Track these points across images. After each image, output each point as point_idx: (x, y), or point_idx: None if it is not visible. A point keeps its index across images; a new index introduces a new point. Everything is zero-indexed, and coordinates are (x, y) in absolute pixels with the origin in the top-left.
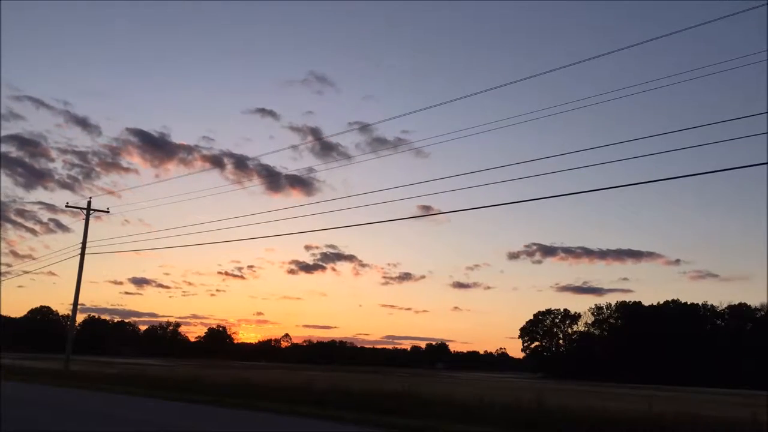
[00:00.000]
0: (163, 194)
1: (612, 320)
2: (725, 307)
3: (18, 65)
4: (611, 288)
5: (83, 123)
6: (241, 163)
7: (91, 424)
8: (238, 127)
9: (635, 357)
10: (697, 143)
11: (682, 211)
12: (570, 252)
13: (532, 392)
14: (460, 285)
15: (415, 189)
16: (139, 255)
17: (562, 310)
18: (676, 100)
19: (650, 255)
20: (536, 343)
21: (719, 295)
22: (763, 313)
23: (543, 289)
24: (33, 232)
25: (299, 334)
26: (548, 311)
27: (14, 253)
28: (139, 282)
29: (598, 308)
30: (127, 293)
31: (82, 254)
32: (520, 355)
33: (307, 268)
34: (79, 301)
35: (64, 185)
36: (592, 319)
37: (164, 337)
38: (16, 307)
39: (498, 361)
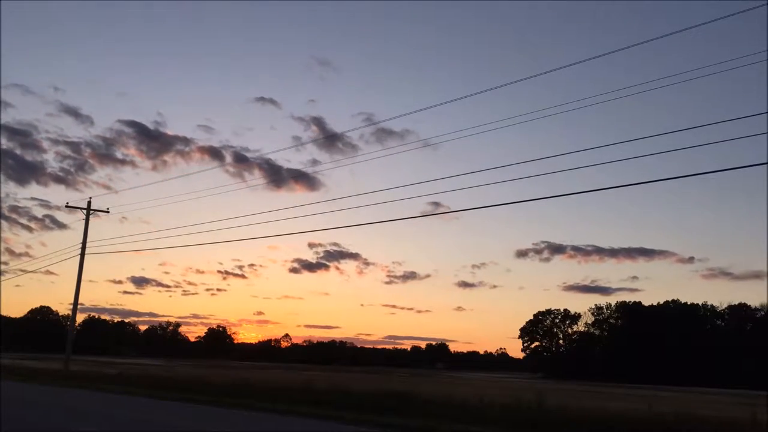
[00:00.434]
0: (162, 190)
1: (612, 320)
2: (725, 307)
3: (6, 52)
4: (620, 287)
5: (74, 113)
6: (241, 157)
7: (91, 425)
8: (237, 117)
9: (635, 357)
10: (718, 140)
11: (699, 209)
12: (579, 250)
13: (532, 392)
14: (465, 284)
15: (423, 187)
16: (138, 253)
17: (562, 310)
18: (694, 97)
19: (663, 253)
20: (536, 344)
21: (731, 295)
22: (763, 313)
23: (550, 288)
24: (29, 229)
25: (300, 334)
26: (548, 311)
27: (10, 251)
28: (139, 281)
29: (598, 308)
30: (126, 292)
31: (82, 254)
32: (520, 355)
33: (310, 266)
34: (79, 301)
35: (58, 179)
36: (592, 319)
37: (164, 337)
38: (16, 307)
39: (498, 361)
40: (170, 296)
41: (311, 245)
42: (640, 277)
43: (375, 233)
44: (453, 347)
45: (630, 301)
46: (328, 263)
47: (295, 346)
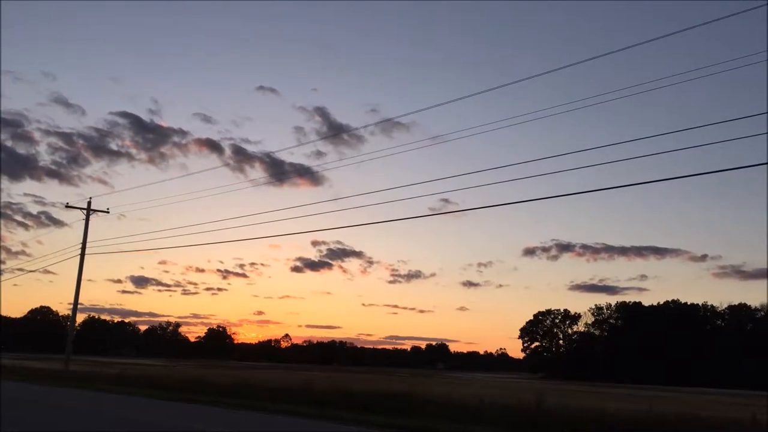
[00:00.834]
0: (161, 189)
1: (612, 320)
2: (725, 307)
3: None
4: (628, 286)
5: (65, 102)
6: (241, 151)
7: (91, 425)
8: (236, 108)
9: (635, 357)
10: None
11: (713, 206)
12: (588, 248)
13: (532, 393)
14: (469, 284)
15: (430, 185)
16: (138, 252)
17: (562, 311)
18: (705, 95)
19: (675, 251)
20: (536, 344)
21: (740, 294)
22: (763, 313)
23: (557, 287)
24: (24, 226)
25: (302, 335)
26: (548, 311)
27: (6, 249)
28: (139, 281)
29: (598, 308)
30: (125, 292)
31: (82, 255)
32: (520, 355)
33: (313, 265)
34: (78, 301)
35: (52, 173)
36: (592, 319)
37: (164, 337)
38: (16, 307)
39: (498, 361)
40: (170, 296)
41: (314, 243)
42: (650, 276)
43: (380, 231)
44: (453, 347)
45: (630, 302)
46: (331, 262)
47: (295, 346)
